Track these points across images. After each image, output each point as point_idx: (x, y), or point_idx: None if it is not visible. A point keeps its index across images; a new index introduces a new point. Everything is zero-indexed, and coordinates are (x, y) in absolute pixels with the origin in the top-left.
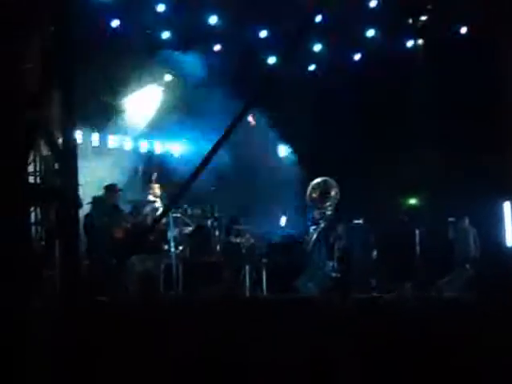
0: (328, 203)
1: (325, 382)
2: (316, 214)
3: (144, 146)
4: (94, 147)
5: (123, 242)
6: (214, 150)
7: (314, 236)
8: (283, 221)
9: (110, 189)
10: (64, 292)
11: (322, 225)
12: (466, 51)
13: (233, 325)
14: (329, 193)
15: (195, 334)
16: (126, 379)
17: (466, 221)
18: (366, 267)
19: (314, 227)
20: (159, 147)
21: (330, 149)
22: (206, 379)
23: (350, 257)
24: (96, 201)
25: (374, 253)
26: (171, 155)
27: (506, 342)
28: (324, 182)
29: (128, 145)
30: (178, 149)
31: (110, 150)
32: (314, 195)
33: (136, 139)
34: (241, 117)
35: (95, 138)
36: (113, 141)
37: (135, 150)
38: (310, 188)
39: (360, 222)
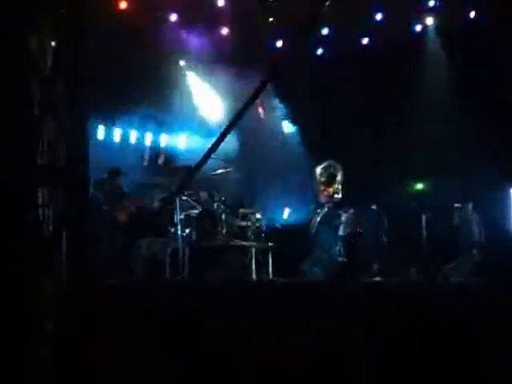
0: (335, 186)
1: (332, 367)
2: (322, 197)
3: (149, 139)
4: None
5: (127, 226)
6: (222, 136)
7: (318, 219)
8: (286, 213)
9: (114, 172)
10: (72, 276)
11: (326, 208)
12: (477, 36)
13: (239, 309)
14: (335, 175)
15: (202, 319)
16: (132, 364)
17: (469, 207)
18: (377, 252)
19: (318, 210)
20: (164, 140)
21: (337, 135)
22: (213, 365)
23: (357, 242)
24: (99, 183)
25: (385, 238)
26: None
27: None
28: (330, 165)
29: (133, 138)
30: (183, 142)
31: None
32: (322, 179)
33: (141, 132)
34: (251, 102)
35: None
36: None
37: (140, 143)
38: (318, 172)
39: (374, 207)
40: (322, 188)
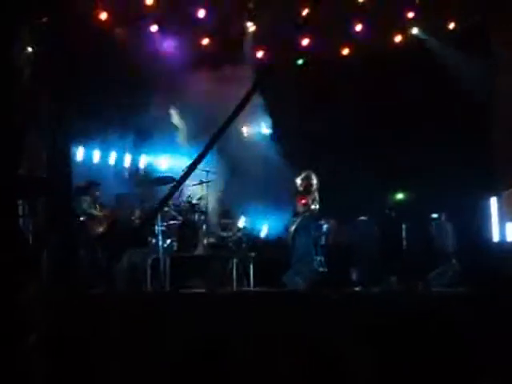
0: (312, 196)
1: (312, 375)
2: (299, 207)
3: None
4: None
5: (103, 237)
6: (208, 147)
7: (293, 228)
8: (264, 230)
9: (90, 183)
10: (54, 286)
11: (302, 218)
12: (456, 47)
13: (220, 319)
14: (312, 185)
15: (182, 328)
16: (113, 373)
17: (443, 217)
18: (367, 262)
19: (294, 219)
20: (144, 161)
21: (317, 144)
22: (193, 373)
23: (338, 253)
24: (75, 195)
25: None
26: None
27: (497, 335)
28: (307, 175)
29: (112, 159)
30: (164, 163)
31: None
32: (300, 189)
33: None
34: (235, 115)
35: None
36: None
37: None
38: (296, 182)
39: (364, 218)
40: (299, 198)
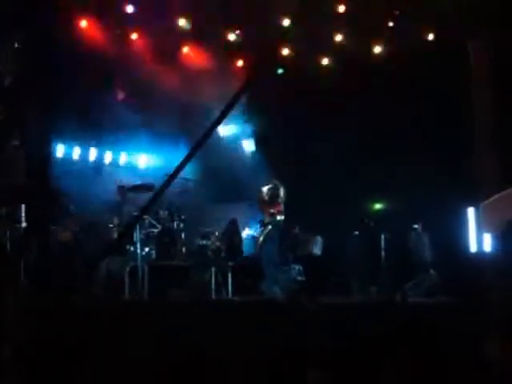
0: (278, 206)
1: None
2: (266, 218)
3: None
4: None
5: (69, 245)
6: (189, 156)
7: (261, 238)
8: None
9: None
10: (33, 293)
11: (269, 227)
12: (436, 58)
13: (198, 328)
14: (277, 195)
15: (160, 337)
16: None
17: (420, 227)
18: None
19: (261, 228)
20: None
21: (297, 154)
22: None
23: (317, 262)
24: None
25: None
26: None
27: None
28: (274, 185)
29: (92, 156)
30: (143, 161)
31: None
32: (266, 198)
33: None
34: (218, 123)
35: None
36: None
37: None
38: (263, 192)
39: (356, 233)
40: (266, 207)
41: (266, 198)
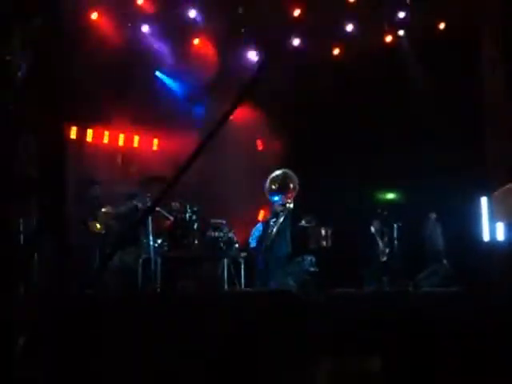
0: (289, 194)
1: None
2: (277, 206)
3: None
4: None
5: (105, 236)
6: (199, 149)
7: (274, 230)
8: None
9: (88, 182)
10: (47, 287)
11: (282, 218)
12: (446, 47)
13: (211, 319)
14: (287, 185)
15: (173, 329)
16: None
17: (434, 217)
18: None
19: (273, 219)
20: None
21: (308, 145)
22: (186, 374)
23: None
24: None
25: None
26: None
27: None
28: (283, 174)
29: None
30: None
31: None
32: (273, 187)
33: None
34: (229, 113)
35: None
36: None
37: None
38: (268, 181)
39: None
40: (274, 197)
41: (274, 187)
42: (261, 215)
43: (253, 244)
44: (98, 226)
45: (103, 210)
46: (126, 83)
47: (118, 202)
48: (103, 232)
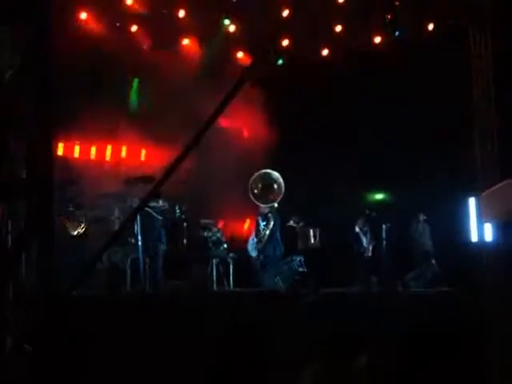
0: (271, 196)
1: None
2: (263, 208)
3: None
4: None
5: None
6: (187, 150)
7: (267, 233)
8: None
9: (65, 182)
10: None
11: (272, 220)
12: (435, 49)
13: (199, 319)
14: (271, 185)
15: (162, 329)
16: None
17: (422, 217)
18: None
19: (264, 223)
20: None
21: (295, 144)
22: (176, 375)
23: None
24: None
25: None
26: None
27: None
28: (264, 174)
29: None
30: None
31: None
32: (255, 191)
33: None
34: (217, 114)
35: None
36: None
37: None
38: (250, 183)
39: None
40: (258, 199)
41: (256, 190)
42: (246, 225)
43: (253, 254)
44: (74, 227)
45: (78, 211)
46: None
47: (101, 202)
48: (79, 233)
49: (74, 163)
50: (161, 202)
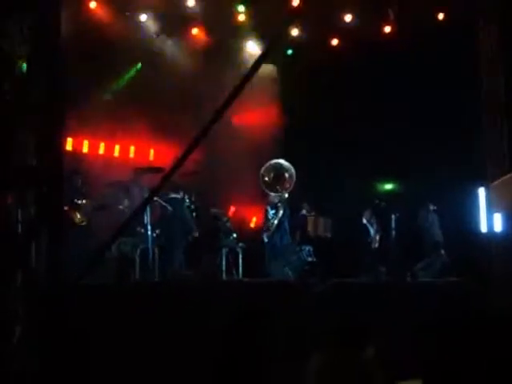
0: (282, 185)
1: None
2: (272, 197)
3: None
4: None
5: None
6: (196, 142)
7: (275, 222)
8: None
9: (72, 173)
10: (44, 276)
11: (281, 210)
12: (443, 38)
13: (208, 308)
14: (282, 175)
15: (173, 318)
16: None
17: (431, 207)
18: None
19: (273, 211)
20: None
21: (305, 135)
22: (184, 365)
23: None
24: None
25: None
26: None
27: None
28: (276, 164)
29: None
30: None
31: None
32: (266, 179)
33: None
34: (226, 107)
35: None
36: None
37: None
38: (261, 172)
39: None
40: (269, 188)
41: (267, 178)
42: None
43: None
44: (79, 216)
45: (84, 201)
46: None
47: (107, 191)
48: (84, 223)
49: (82, 157)
50: (181, 194)
